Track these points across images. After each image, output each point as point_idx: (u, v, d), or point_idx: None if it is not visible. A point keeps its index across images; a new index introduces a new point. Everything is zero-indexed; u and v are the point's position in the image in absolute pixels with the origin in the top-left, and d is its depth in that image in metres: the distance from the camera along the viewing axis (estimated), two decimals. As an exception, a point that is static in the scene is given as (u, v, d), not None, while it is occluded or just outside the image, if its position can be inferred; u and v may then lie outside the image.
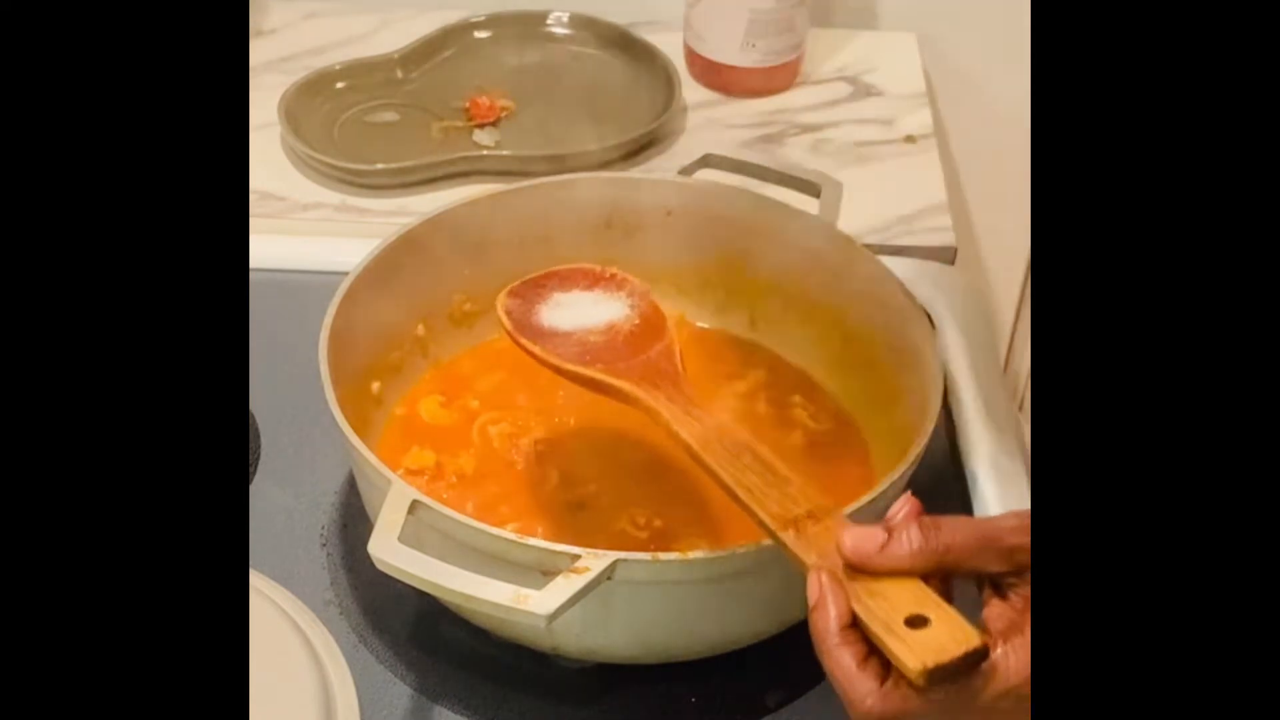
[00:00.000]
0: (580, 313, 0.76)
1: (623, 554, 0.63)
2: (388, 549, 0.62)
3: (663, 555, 0.64)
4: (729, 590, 0.67)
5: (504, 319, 0.74)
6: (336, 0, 1.23)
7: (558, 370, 0.72)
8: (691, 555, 0.65)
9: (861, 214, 0.96)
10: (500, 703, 0.71)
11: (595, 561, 0.62)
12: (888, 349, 0.80)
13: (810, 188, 0.84)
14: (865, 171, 1.07)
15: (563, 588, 0.61)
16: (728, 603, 0.68)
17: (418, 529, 0.64)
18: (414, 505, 0.64)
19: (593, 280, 0.78)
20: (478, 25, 1.18)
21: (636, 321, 0.75)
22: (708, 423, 0.66)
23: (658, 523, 0.75)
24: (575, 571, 0.62)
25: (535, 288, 0.77)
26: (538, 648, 0.71)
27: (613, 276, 0.78)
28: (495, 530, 0.64)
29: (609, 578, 0.63)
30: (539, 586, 0.61)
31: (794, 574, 0.68)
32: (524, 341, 0.73)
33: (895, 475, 0.69)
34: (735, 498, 0.63)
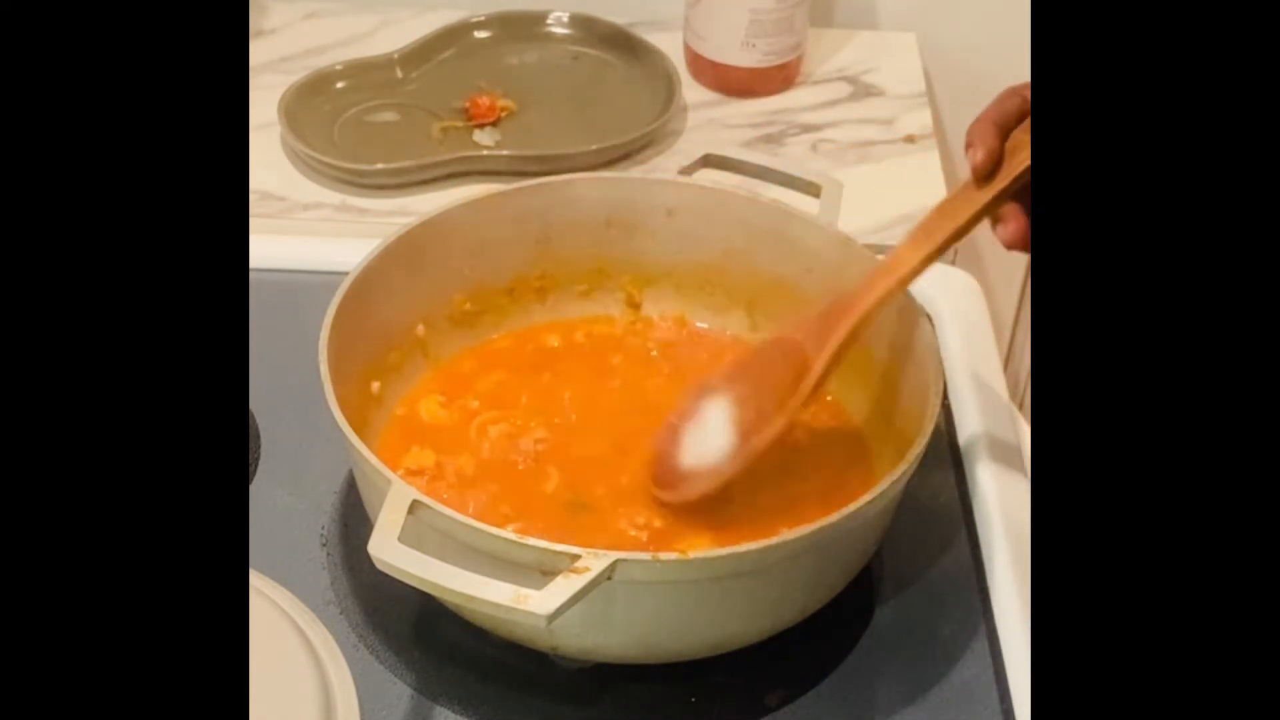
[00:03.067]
0: (717, 426, 0.76)
1: (623, 554, 0.63)
2: (388, 549, 0.62)
3: (663, 555, 0.64)
4: (729, 590, 0.67)
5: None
6: (336, 0, 1.23)
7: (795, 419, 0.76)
8: (691, 555, 0.65)
9: (861, 214, 0.96)
10: (500, 703, 0.71)
11: (595, 561, 0.62)
12: (888, 349, 0.80)
13: (810, 188, 0.84)
14: (865, 171, 1.07)
15: (563, 588, 0.61)
16: (728, 603, 0.68)
17: (418, 529, 0.64)
18: (414, 505, 0.64)
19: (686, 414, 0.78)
20: (478, 25, 1.18)
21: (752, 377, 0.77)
22: (882, 271, 0.74)
23: (658, 523, 0.75)
24: (575, 571, 0.62)
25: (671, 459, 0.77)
26: (537, 648, 0.71)
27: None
28: (495, 530, 0.64)
29: (609, 578, 0.63)
30: (539, 586, 0.61)
31: (794, 574, 0.69)
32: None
33: (895, 475, 0.69)
34: (966, 229, 0.73)
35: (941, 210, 0.74)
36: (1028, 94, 0.72)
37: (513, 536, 0.64)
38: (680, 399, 0.78)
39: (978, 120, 0.72)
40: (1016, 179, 0.71)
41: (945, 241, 0.73)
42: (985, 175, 0.72)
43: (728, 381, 0.77)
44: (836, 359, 0.75)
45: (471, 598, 0.61)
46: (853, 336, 0.75)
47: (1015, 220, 0.72)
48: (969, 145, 0.72)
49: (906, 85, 1.17)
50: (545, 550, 0.63)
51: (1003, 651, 0.74)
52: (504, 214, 0.85)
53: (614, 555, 0.63)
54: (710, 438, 0.76)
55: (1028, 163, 0.71)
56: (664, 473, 0.77)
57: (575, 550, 0.63)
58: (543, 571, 0.62)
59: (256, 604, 0.71)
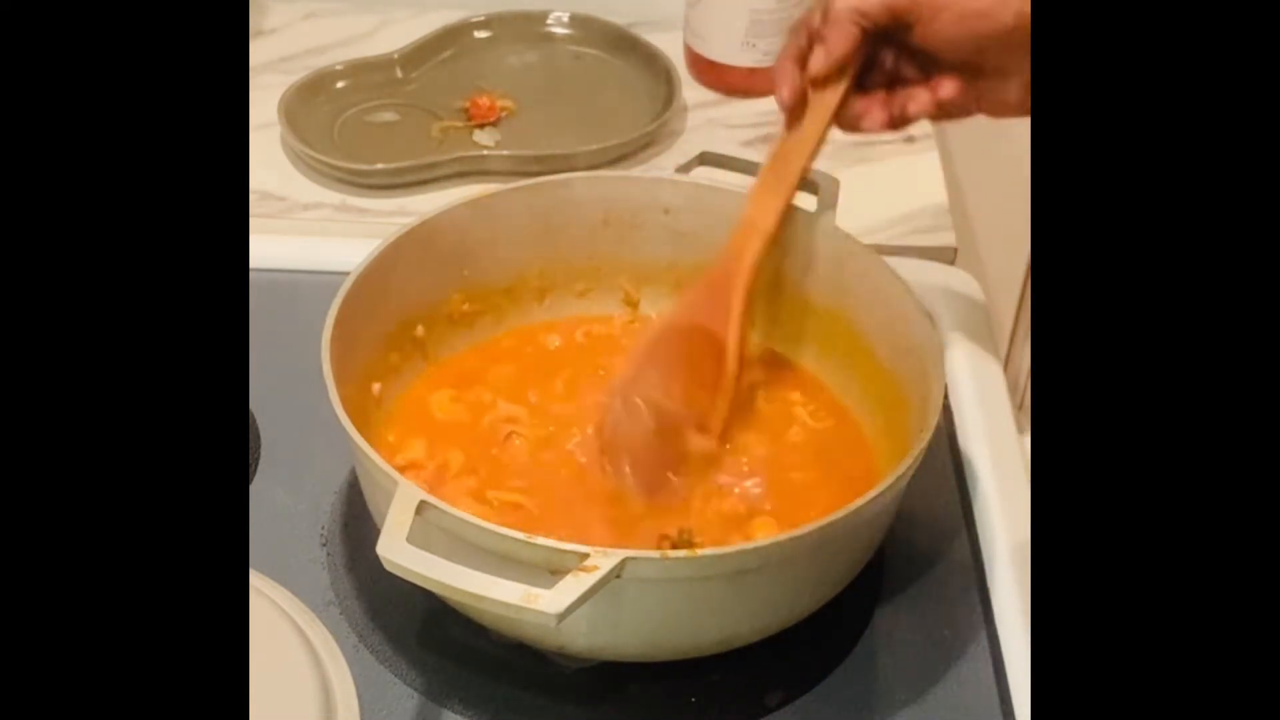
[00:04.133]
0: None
1: (631, 552, 0.63)
2: (396, 550, 0.62)
3: (671, 553, 0.64)
4: (734, 587, 0.67)
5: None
6: (336, 0, 1.23)
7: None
8: (700, 552, 0.65)
9: (861, 214, 0.96)
10: (501, 702, 0.71)
11: (604, 560, 0.62)
12: (888, 347, 0.80)
13: (808, 185, 0.84)
14: (865, 171, 1.06)
15: (572, 586, 0.61)
16: (736, 599, 0.68)
17: (424, 529, 0.64)
18: (421, 506, 0.64)
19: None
20: (478, 25, 1.18)
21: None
22: (748, 230, 0.80)
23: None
24: (584, 570, 0.62)
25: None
26: (543, 647, 0.70)
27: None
28: (504, 530, 0.64)
29: (618, 576, 0.63)
30: (547, 585, 0.61)
31: (797, 572, 0.69)
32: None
33: (895, 475, 0.69)
34: (811, 161, 0.79)
35: (781, 154, 0.80)
36: (813, 20, 0.76)
37: (521, 536, 0.64)
38: (597, 404, 0.80)
39: (778, 60, 0.77)
40: (840, 102, 0.76)
41: (797, 181, 0.80)
42: (794, 108, 0.77)
43: (637, 379, 0.79)
44: (743, 326, 0.79)
45: (481, 598, 0.61)
46: (749, 299, 0.79)
47: (877, 105, 0.77)
48: (775, 88, 0.77)
49: (906, 85, 1.17)
50: (554, 549, 0.63)
51: (1003, 651, 0.74)
52: (502, 214, 0.85)
53: (623, 553, 0.63)
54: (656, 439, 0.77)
55: (844, 85, 0.76)
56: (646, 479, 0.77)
57: (583, 549, 0.63)
58: (551, 570, 0.62)
59: (256, 604, 0.71)
